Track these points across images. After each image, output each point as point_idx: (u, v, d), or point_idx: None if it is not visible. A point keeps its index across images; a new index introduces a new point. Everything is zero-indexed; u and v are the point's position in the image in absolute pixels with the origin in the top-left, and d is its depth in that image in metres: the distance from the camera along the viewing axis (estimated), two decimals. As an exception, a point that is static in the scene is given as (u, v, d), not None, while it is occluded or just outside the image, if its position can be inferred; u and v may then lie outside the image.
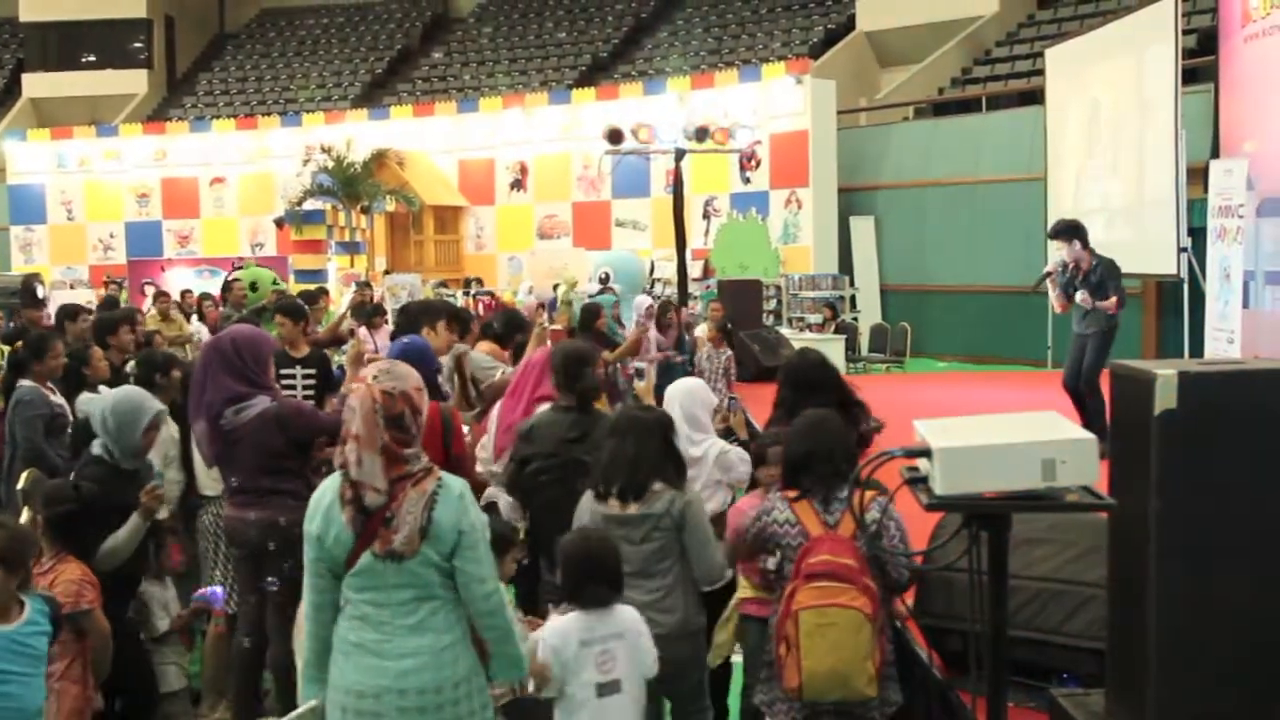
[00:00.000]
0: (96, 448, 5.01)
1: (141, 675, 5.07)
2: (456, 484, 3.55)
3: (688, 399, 5.43)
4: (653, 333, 10.91)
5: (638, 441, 4.41)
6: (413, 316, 7.42)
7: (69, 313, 9.58)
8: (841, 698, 4.01)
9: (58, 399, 7.02)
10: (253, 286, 12.79)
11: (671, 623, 4.31)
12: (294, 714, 3.61)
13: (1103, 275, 8.95)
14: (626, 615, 4.06)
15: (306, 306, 8.82)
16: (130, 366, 7.08)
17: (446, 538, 3.44)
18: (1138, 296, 16.57)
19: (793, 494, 4.23)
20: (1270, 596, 3.23)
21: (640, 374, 6.06)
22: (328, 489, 3.53)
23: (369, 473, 3.44)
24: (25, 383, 6.95)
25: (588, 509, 4.44)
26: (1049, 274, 9.41)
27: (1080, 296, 8.95)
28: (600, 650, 3.96)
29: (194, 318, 14.03)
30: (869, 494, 4.04)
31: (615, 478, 4.39)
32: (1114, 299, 8.89)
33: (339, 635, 3.51)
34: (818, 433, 4.28)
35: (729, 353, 10.84)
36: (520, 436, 5.23)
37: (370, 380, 3.50)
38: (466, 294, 20.70)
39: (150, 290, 18.77)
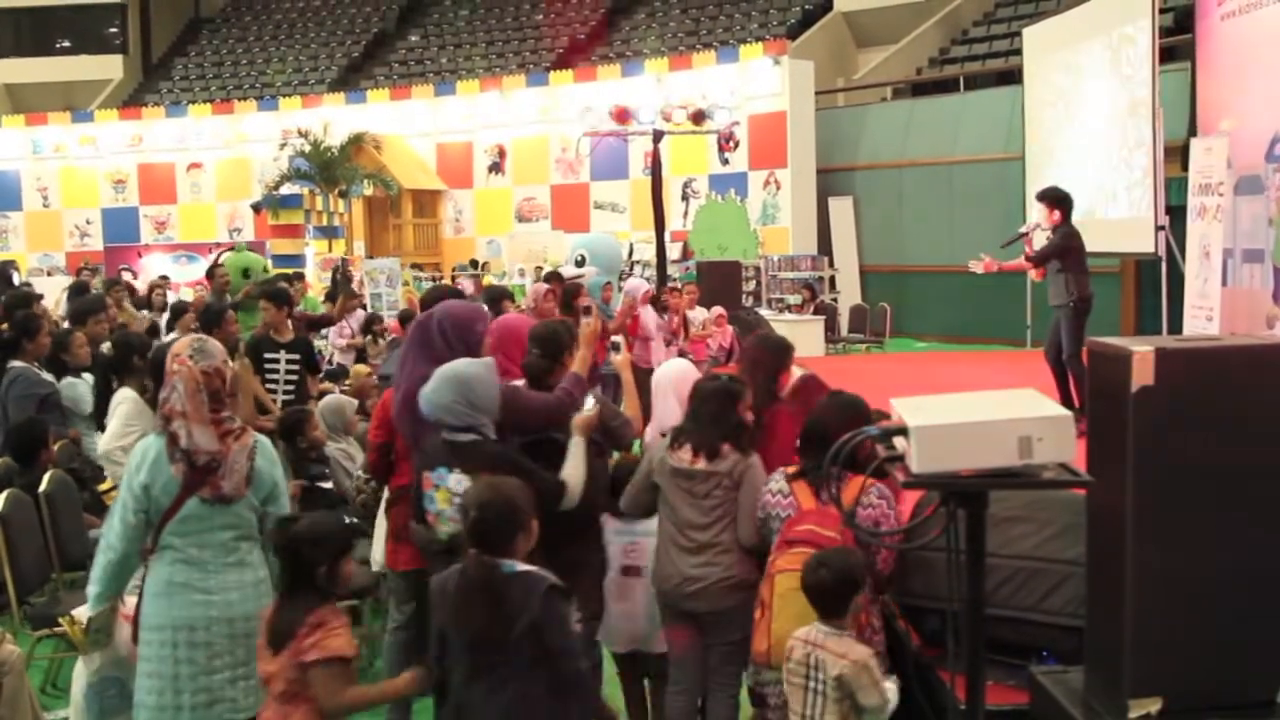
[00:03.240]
0: (465, 437, 4.38)
1: None
2: (266, 440, 4.12)
3: (682, 380, 5.68)
4: (649, 315, 10.90)
5: (714, 405, 4.69)
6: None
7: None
8: None
9: (48, 377, 7.13)
10: (245, 273, 12.64)
11: (717, 575, 4.55)
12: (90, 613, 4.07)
13: (1049, 242, 9.10)
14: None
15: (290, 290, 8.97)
16: (105, 348, 7.10)
17: (265, 484, 4.01)
18: (1116, 275, 16.61)
19: (792, 469, 4.35)
20: (1246, 572, 3.24)
21: (617, 347, 6.10)
22: (151, 445, 3.96)
23: (200, 441, 3.89)
24: (18, 363, 7.04)
25: (659, 455, 4.78)
26: (1023, 234, 9.63)
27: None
28: (628, 542, 5.07)
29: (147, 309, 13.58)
30: (869, 481, 4.07)
31: (691, 433, 4.69)
32: (1032, 263, 9.14)
33: (156, 579, 3.94)
34: (836, 414, 4.35)
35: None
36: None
37: (189, 362, 3.90)
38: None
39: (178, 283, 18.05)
